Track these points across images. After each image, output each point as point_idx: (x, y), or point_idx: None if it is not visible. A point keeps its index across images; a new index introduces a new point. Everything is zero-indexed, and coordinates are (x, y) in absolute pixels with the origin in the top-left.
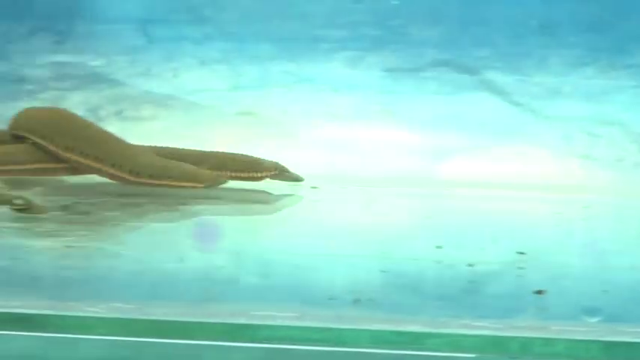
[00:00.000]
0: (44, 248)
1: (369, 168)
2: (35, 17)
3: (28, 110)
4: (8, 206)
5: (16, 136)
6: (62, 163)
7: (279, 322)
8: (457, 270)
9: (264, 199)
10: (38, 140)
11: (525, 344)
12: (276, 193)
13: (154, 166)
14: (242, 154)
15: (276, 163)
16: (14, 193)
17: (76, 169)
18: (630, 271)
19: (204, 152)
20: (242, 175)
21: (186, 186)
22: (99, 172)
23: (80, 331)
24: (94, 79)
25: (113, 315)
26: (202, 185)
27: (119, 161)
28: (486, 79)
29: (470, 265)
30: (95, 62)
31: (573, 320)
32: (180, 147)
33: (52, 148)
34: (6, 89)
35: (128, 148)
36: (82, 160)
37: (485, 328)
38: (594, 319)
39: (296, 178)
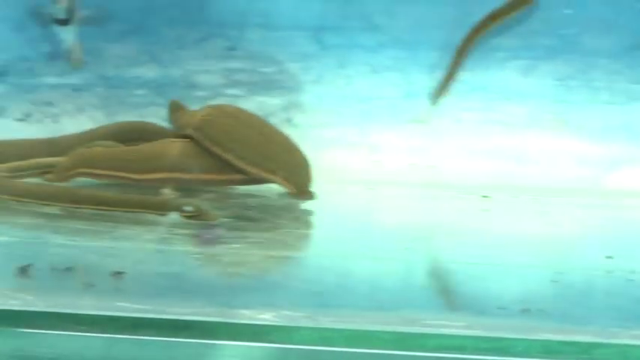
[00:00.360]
0: (214, 255)
1: (540, 177)
2: (207, 24)
3: (205, 113)
4: (178, 213)
5: (184, 135)
6: (233, 173)
7: (448, 331)
8: (628, 280)
9: (435, 207)
10: (212, 147)
11: None
12: (447, 202)
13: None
14: None
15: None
16: (184, 199)
17: (250, 180)
18: None
19: None
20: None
21: None
22: (272, 182)
23: (249, 338)
24: (266, 86)
25: (283, 323)
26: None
27: (288, 174)
28: None
29: None
30: (267, 69)
31: None
32: None
33: (228, 157)
34: (178, 95)
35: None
36: (252, 169)
37: None
38: None
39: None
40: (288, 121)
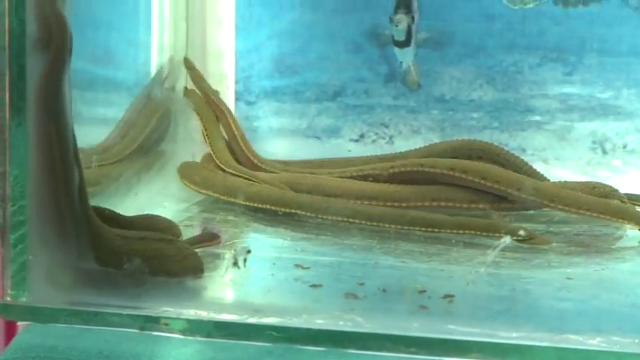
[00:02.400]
0: (544, 279)
1: None
2: (546, 48)
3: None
4: (511, 237)
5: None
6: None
7: None
8: None
9: None
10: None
11: None
12: None
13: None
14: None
15: None
16: (516, 224)
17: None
18: None
19: None
20: None
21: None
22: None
23: None
24: (602, 112)
25: (612, 349)
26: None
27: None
28: None
29: None
30: (603, 94)
31: None
32: None
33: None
34: (513, 119)
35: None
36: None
37: None
38: None
39: None
40: (624, 147)
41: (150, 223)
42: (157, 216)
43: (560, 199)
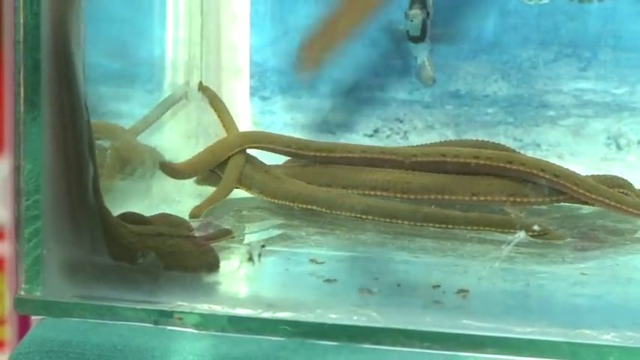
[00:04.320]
0: (559, 275)
1: None
2: (560, 44)
3: None
4: (526, 232)
5: None
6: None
7: None
8: None
9: None
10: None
11: None
12: None
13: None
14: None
15: None
16: (531, 219)
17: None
18: None
19: None
20: None
21: None
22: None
23: (592, 358)
24: (616, 107)
25: (626, 344)
26: None
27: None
28: None
29: None
30: (618, 90)
31: None
32: None
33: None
34: (528, 114)
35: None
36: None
37: None
38: None
39: None
40: (639, 142)
41: (164, 221)
42: (170, 214)
43: (584, 185)
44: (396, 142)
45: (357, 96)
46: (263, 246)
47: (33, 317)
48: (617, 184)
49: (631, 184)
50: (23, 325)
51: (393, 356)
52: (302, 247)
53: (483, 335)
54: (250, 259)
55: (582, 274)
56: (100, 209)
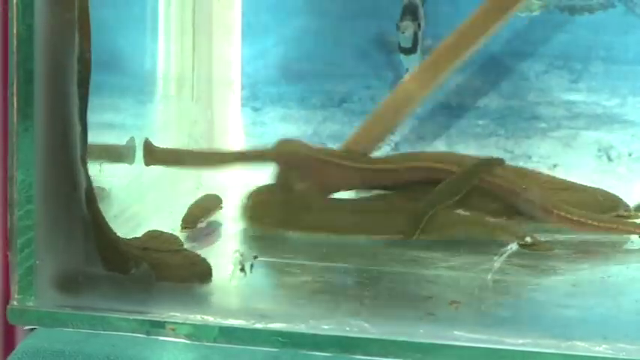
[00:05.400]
0: (550, 286)
1: None
2: (552, 56)
3: None
4: (516, 243)
5: None
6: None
7: None
8: None
9: None
10: None
11: None
12: None
13: None
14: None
15: None
16: (524, 230)
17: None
18: None
19: None
20: None
21: None
22: None
23: None
24: (607, 119)
25: (618, 356)
26: None
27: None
28: None
29: None
30: (609, 102)
31: None
32: None
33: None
34: (519, 126)
35: None
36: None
37: None
38: None
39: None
40: (629, 155)
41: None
42: (162, 231)
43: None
44: (387, 153)
45: (349, 107)
46: (255, 257)
47: (25, 328)
48: (610, 200)
49: (621, 198)
50: (9, 337)
51: None
52: (294, 257)
53: (475, 347)
54: (242, 269)
55: (574, 285)
56: (93, 219)
